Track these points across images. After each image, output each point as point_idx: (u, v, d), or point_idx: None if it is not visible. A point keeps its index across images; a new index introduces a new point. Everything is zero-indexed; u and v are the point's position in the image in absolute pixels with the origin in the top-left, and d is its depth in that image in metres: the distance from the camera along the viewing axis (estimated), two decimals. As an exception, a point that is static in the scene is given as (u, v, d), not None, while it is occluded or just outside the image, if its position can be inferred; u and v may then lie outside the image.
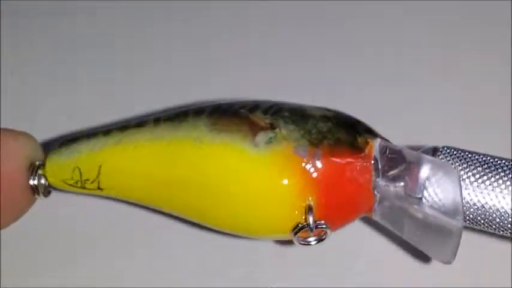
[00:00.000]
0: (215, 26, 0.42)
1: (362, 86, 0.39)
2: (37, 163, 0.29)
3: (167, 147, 0.27)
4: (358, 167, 0.26)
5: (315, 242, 0.27)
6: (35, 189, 0.29)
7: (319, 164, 0.26)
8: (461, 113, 0.38)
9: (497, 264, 0.32)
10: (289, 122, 0.27)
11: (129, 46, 0.42)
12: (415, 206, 0.26)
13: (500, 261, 0.32)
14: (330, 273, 0.33)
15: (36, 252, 0.34)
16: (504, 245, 0.32)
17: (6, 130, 0.29)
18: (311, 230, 0.26)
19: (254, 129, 0.27)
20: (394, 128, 0.37)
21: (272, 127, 0.26)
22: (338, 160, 0.26)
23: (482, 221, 0.27)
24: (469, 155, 0.27)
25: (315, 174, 0.26)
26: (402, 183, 0.26)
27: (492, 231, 0.27)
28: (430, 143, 0.36)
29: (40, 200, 0.30)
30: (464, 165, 0.27)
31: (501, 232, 0.27)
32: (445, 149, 0.28)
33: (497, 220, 0.26)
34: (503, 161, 0.27)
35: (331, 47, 0.41)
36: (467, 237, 0.27)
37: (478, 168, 0.27)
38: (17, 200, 0.29)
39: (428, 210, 0.26)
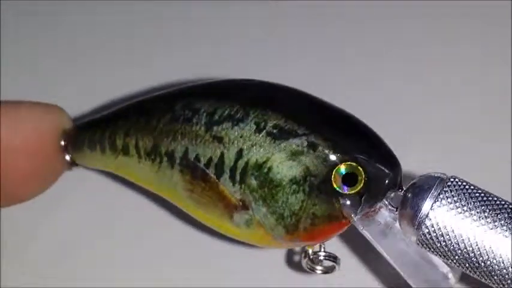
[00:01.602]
0: (215, 26, 0.42)
1: (360, 86, 0.39)
2: (66, 133, 0.31)
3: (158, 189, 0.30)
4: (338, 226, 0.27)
5: (321, 272, 0.28)
6: (64, 151, 0.31)
7: (299, 244, 0.28)
8: (461, 113, 0.38)
9: None
10: (260, 201, 0.26)
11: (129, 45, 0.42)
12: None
13: None
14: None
15: (36, 251, 0.35)
16: None
17: (38, 103, 0.31)
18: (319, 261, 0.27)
19: (228, 207, 0.27)
20: (393, 128, 0.37)
21: (244, 206, 0.27)
22: (317, 240, 0.27)
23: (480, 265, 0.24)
24: (476, 193, 0.25)
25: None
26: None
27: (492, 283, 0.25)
28: (430, 143, 0.36)
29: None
30: (470, 204, 0.25)
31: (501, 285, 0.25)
32: (454, 181, 0.25)
33: (497, 267, 0.24)
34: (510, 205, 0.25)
35: (330, 47, 0.41)
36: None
37: (483, 208, 0.25)
38: (50, 167, 0.31)
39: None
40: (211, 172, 0.27)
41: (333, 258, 0.27)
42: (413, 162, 0.36)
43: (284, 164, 0.26)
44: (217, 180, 0.27)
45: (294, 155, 0.26)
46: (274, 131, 0.26)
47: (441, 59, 0.40)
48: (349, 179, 0.26)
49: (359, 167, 0.25)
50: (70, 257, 0.34)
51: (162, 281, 0.33)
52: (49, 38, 0.42)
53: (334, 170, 0.25)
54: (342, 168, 0.25)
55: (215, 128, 0.27)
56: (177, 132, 0.28)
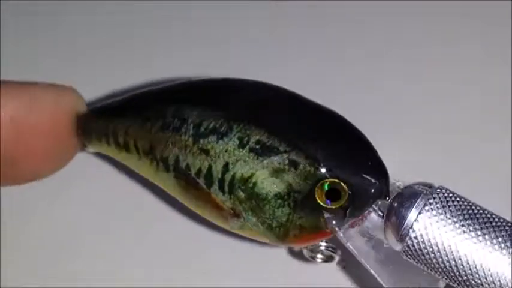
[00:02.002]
0: (215, 26, 0.42)
1: (360, 86, 0.39)
2: (79, 117, 0.31)
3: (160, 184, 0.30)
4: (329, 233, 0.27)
5: (321, 260, 0.28)
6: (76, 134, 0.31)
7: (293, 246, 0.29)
8: (461, 113, 0.38)
9: None
10: (249, 212, 0.27)
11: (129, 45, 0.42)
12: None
13: None
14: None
15: (35, 251, 0.35)
16: None
17: (54, 84, 0.31)
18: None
19: (222, 213, 0.27)
20: (393, 127, 0.37)
21: (235, 214, 0.27)
22: (310, 243, 0.28)
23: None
24: (463, 205, 0.24)
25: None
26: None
27: None
28: (429, 143, 0.36)
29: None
30: (456, 217, 0.24)
31: None
32: (440, 192, 0.25)
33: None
34: (502, 221, 0.24)
35: (330, 47, 0.41)
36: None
37: (470, 221, 0.24)
38: (63, 148, 0.31)
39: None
40: (201, 182, 0.27)
41: (332, 248, 0.28)
42: (412, 162, 0.36)
43: (268, 180, 0.26)
44: (208, 190, 0.27)
45: (276, 172, 0.26)
46: (257, 146, 0.26)
47: (441, 59, 0.40)
48: (333, 193, 0.26)
49: (341, 184, 0.25)
50: (70, 257, 0.34)
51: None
52: (49, 38, 0.42)
53: (317, 187, 0.25)
54: (325, 185, 0.25)
55: (201, 140, 0.27)
56: (168, 140, 0.28)
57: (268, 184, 0.26)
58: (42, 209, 0.36)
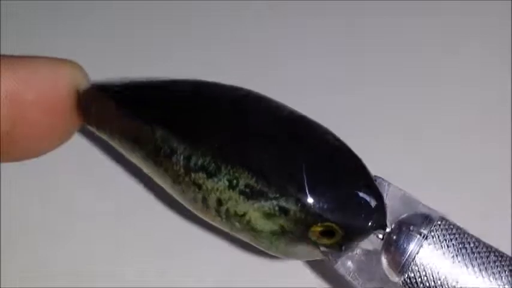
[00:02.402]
0: (215, 25, 0.42)
1: (360, 86, 0.39)
2: (80, 93, 0.30)
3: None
4: None
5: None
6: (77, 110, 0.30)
7: None
8: (461, 113, 0.38)
9: None
10: (248, 238, 0.27)
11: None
12: None
13: None
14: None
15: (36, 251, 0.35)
16: None
17: (55, 58, 0.30)
18: None
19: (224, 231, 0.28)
20: (392, 128, 0.37)
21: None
22: None
23: None
24: (465, 237, 0.24)
25: None
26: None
27: None
28: (429, 143, 0.36)
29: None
30: (458, 250, 0.24)
31: None
32: (441, 223, 0.25)
33: None
34: (501, 255, 0.24)
35: (330, 47, 0.41)
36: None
37: (474, 255, 0.24)
38: (63, 124, 0.30)
39: None
40: (199, 202, 0.27)
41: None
42: (412, 162, 0.36)
43: (261, 220, 0.26)
44: (209, 212, 0.27)
45: (268, 215, 0.25)
46: (247, 190, 0.25)
47: (441, 58, 0.40)
48: (327, 231, 0.25)
49: (334, 225, 0.25)
50: (70, 256, 0.34)
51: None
52: (49, 38, 0.42)
53: (309, 229, 0.25)
54: (317, 228, 0.25)
55: (193, 174, 0.26)
56: (161, 166, 0.27)
57: (262, 223, 0.26)
58: (40, 208, 0.36)
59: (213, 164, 0.26)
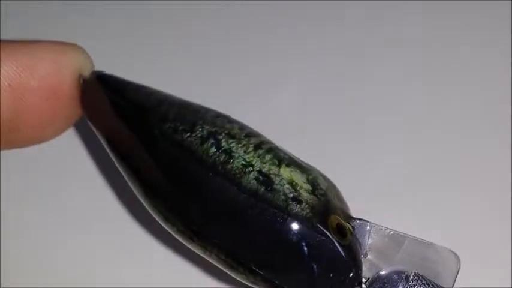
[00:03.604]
0: (215, 25, 0.42)
1: (360, 86, 0.39)
2: (83, 80, 0.29)
3: None
4: None
5: None
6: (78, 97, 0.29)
7: None
8: (461, 113, 0.38)
9: None
10: None
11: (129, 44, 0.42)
12: None
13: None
14: None
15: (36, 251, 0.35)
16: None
17: (58, 41, 0.29)
18: None
19: None
20: (393, 128, 0.37)
21: None
22: None
23: None
24: None
25: None
26: None
27: None
28: (429, 143, 0.36)
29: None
30: None
31: None
32: (415, 278, 0.24)
33: None
34: None
35: (330, 47, 0.41)
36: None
37: None
38: (66, 111, 0.29)
39: None
40: None
41: None
42: (411, 161, 0.36)
43: None
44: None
45: None
46: (229, 260, 0.25)
47: (441, 58, 0.40)
48: None
49: None
50: (70, 256, 0.34)
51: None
52: (49, 38, 0.42)
53: None
54: None
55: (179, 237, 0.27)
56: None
57: None
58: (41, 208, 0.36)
59: (196, 240, 0.26)
